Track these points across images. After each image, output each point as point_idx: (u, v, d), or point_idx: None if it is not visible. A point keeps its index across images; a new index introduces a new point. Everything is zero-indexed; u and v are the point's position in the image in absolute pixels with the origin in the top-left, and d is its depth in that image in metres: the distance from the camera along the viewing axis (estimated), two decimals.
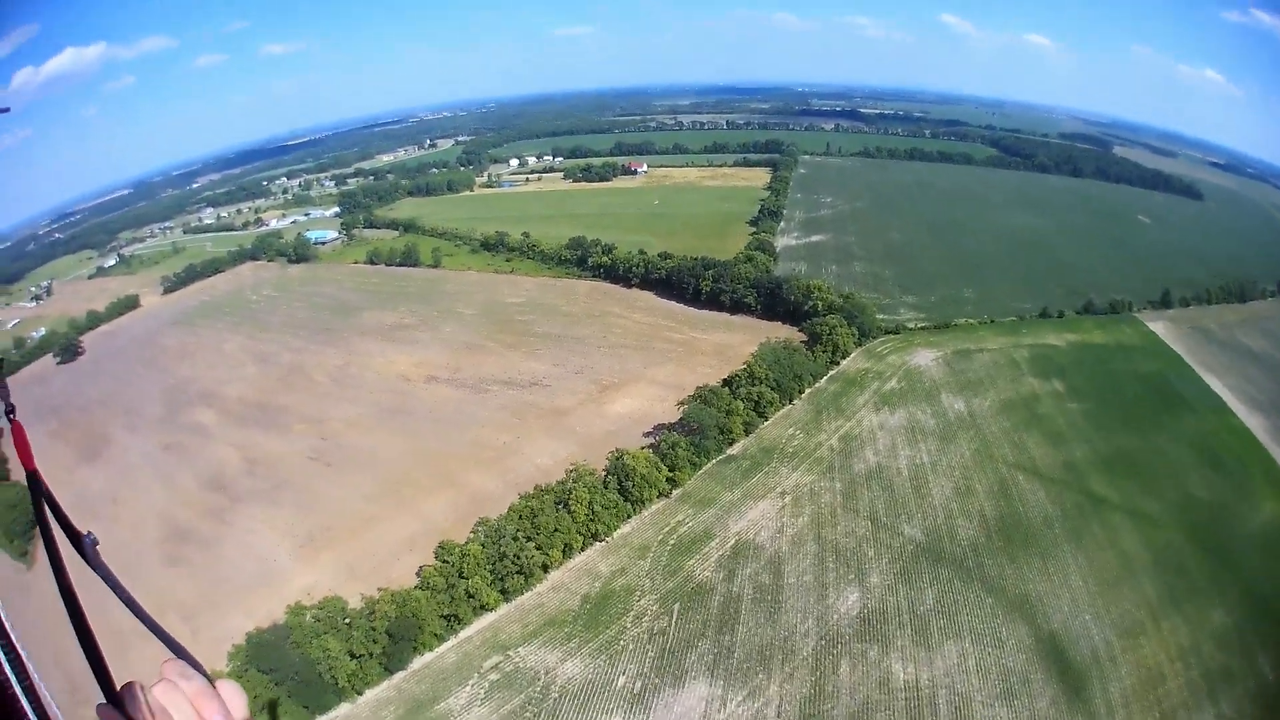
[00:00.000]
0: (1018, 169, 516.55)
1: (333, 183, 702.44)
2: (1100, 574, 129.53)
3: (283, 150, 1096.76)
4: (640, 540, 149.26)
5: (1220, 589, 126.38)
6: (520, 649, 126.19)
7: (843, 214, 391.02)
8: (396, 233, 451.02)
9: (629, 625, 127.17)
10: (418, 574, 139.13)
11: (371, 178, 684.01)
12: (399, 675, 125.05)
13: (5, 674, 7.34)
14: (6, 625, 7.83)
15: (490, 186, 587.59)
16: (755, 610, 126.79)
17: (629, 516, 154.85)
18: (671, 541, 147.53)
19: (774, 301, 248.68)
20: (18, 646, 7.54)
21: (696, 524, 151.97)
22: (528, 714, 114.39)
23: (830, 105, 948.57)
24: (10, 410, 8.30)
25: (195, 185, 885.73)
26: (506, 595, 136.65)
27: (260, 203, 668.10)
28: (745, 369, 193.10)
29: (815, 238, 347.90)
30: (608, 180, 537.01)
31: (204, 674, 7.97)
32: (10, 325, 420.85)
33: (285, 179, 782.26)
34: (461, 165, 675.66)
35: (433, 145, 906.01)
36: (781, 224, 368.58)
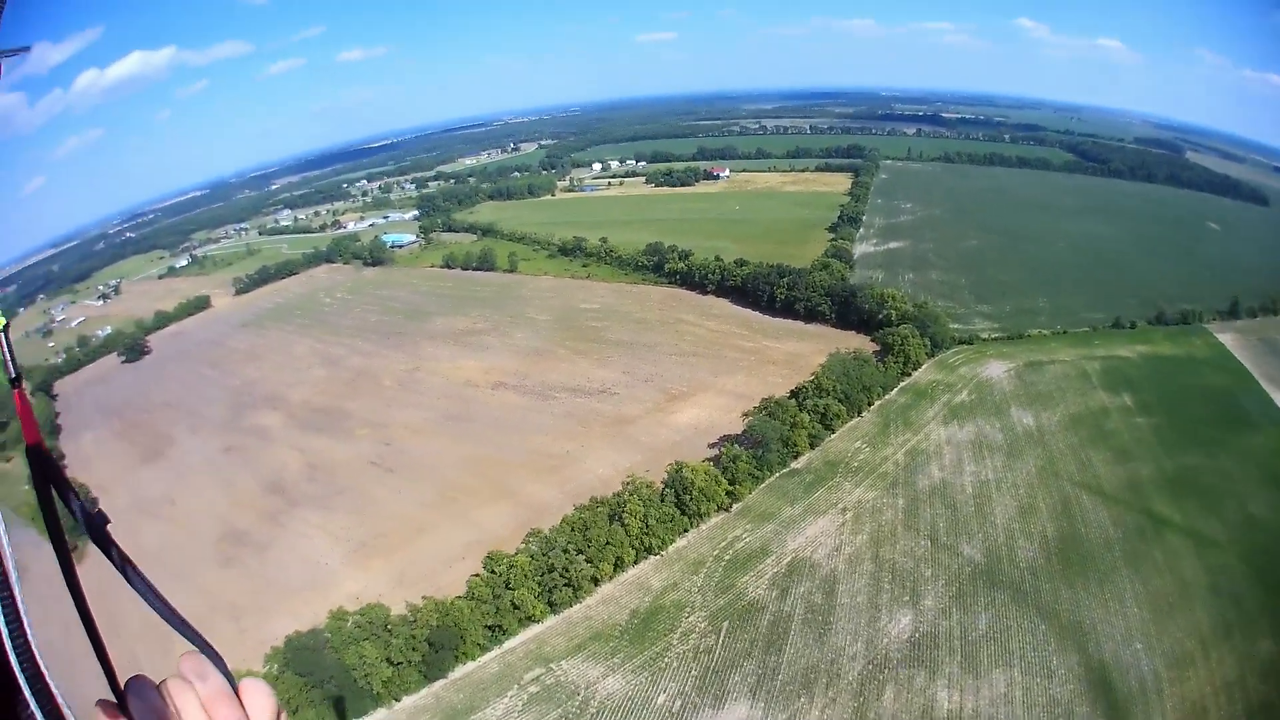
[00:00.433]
0: (1094, 174, 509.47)
1: (412, 186, 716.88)
2: (1155, 600, 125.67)
3: (362, 153, 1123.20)
4: (695, 555, 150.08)
5: (1272, 619, 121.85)
6: (563, 662, 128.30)
7: (921, 220, 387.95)
8: (474, 236, 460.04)
9: (675, 642, 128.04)
10: (468, 584, 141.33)
11: (452, 181, 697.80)
12: (439, 683, 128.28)
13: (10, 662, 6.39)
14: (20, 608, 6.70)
15: (571, 191, 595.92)
16: (804, 631, 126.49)
17: (685, 530, 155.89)
18: (727, 557, 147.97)
19: (848, 310, 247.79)
20: (28, 632, 6.44)
21: (753, 539, 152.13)
22: None
23: (912, 110, 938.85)
24: (16, 380, 7.43)
25: (273, 187, 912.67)
26: (554, 607, 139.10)
27: (338, 205, 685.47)
28: (813, 381, 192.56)
29: (893, 244, 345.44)
30: (689, 185, 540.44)
31: (226, 671, 7.61)
32: (75, 323, 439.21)
33: (365, 182, 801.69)
34: (543, 169, 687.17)
35: (515, 149, 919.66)
36: (860, 230, 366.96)
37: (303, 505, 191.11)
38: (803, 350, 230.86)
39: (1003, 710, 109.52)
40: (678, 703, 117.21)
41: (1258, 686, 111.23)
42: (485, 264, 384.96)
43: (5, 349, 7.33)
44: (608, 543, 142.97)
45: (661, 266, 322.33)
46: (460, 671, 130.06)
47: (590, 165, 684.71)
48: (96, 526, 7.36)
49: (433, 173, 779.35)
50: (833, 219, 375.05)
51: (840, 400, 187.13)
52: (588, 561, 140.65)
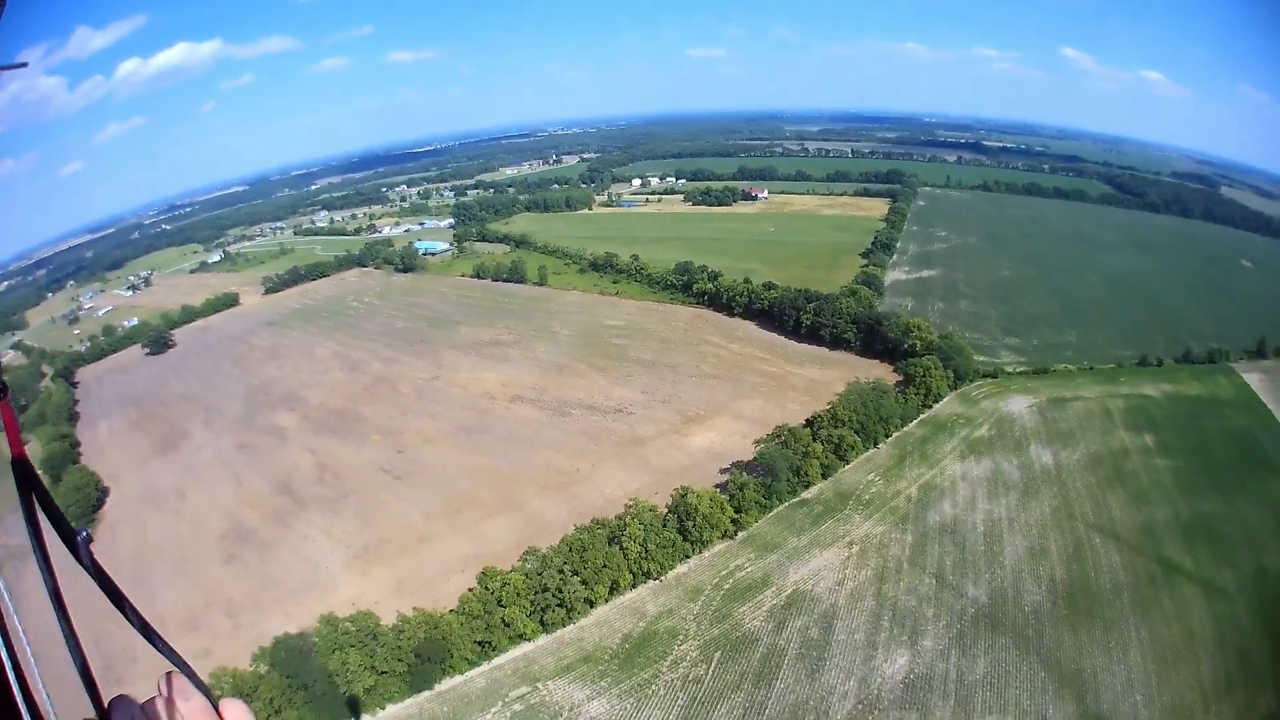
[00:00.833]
0: (1130, 207, 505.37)
1: (452, 193, 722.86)
2: (1161, 650, 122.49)
3: (407, 157, 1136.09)
4: (695, 582, 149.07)
5: (1275, 673, 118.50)
6: (550, 682, 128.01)
7: (955, 249, 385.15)
8: (507, 247, 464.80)
9: (665, 670, 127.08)
10: (460, 598, 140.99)
11: (491, 190, 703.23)
12: (424, 695, 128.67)
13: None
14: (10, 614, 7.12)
15: (610, 205, 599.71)
16: (797, 665, 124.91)
17: (687, 556, 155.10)
18: (726, 586, 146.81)
19: (872, 338, 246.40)
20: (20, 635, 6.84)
21: (755, 569, 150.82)
22: None
23: (955, 137, 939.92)
24: (2, 391, 7.58)
25: (313, 187, 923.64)
26: (546, 627, 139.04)
27: (376, 209, 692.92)
28: (828, 410, 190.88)
29: (925, 273, 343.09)
30: (727, 205, 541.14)
31: (204, 690, 7.80)
32: (103, 312, 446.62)
33: (405, 186, 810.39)
34: (584, 182, 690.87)
35: (557, 161, 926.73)
36: (894, 257, 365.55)
37: (310, 507, 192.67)
38: (824, 377, 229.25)
39: None
40: None
41: None
42: (515, 276, 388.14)
43: None
44: (605, 565, 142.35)
45: (690, 286, 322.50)
46: (447, 684, 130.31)
47: (630, 181, 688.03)
48: (78, 545, 7.38)
49: (473, 181, 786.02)
50: (866, 244, 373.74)
51: (856, 431, 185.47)
52: (583, 583, 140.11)
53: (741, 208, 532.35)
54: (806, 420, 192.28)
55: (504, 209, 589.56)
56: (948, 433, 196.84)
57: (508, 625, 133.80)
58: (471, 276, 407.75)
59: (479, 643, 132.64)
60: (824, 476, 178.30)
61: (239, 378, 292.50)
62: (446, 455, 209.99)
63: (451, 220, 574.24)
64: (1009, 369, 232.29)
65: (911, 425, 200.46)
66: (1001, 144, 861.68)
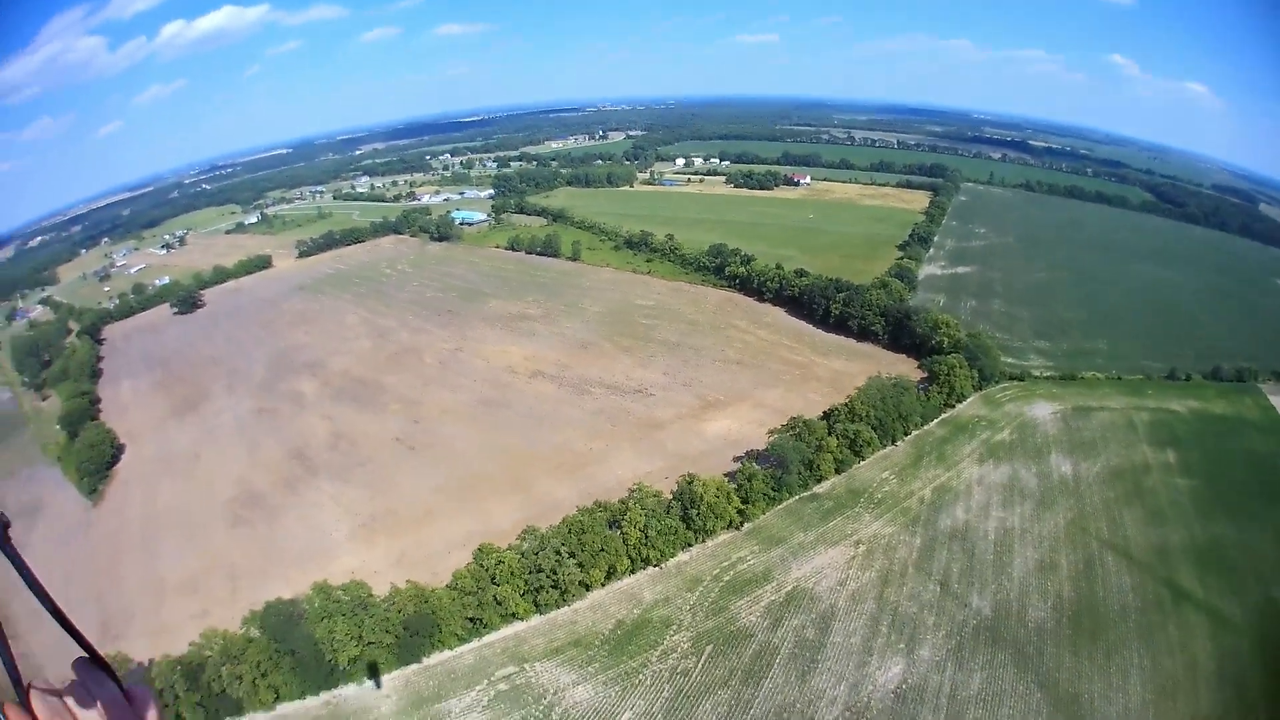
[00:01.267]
0: (1168, 217, 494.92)
1: (495, 164, 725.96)
2: (1160, 679, 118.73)
3: (453, 126, 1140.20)
4: (695, 571, 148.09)
5: (1271, 711, 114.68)
6: (538, 664, 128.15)
7: (993, 247, 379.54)
8: (545, 221, 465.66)
9: (654, 659, 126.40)
10: (453, 574, 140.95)
11: (534, 163, 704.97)
12: (412, 667, 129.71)
13: None
14: None
15: (651, 184, 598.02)
16: (789, 666, 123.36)
17: (690, 545, 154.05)
18: (726, 578, 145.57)
19: (900, 332, 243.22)
20: None
21: (758, 562, 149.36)
22: None
23: (1001, 135, 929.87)
24: None
25: (357, 152, 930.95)
26: (539, 608, 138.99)
27: (418, 176, 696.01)
28: (846, 404, 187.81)
29: (960, 269, 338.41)
30: (768, 189, 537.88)
31: (114, 676, 8.05)
32: (134, 270, 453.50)
33: (449, 155, 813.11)
34: (628, 159, 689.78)
35: (604, 136, 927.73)
36: (930, 251, 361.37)
37: (321, 474, 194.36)
38: (849, 369, 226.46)
39: None
40: None
41: None
42: (549, 250, 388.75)
43: None
44: (602, 549, 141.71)
45: (723, 269, 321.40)
46: (436, 659, 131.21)
47: (674, 160, 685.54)
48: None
49: (517, 153, 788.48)
50: (904, 237, 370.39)
51: (874, 427, 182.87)
52: (579, 566, 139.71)
53: (783, 193, 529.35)
54: (824, 413, 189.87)
55: (545, 182, 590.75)
56: (968, 434, 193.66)
57: (500, 604, 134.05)
58: (506, 248, 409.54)
59: (471, 619, 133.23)
60: (837, 472, 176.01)
61: (265, 341, 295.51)
62: (463, 429, 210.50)
63: (491, 191, 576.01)
64: (1036, 373, 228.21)
65: (932, 424, 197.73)
66: (1047, 144, 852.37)
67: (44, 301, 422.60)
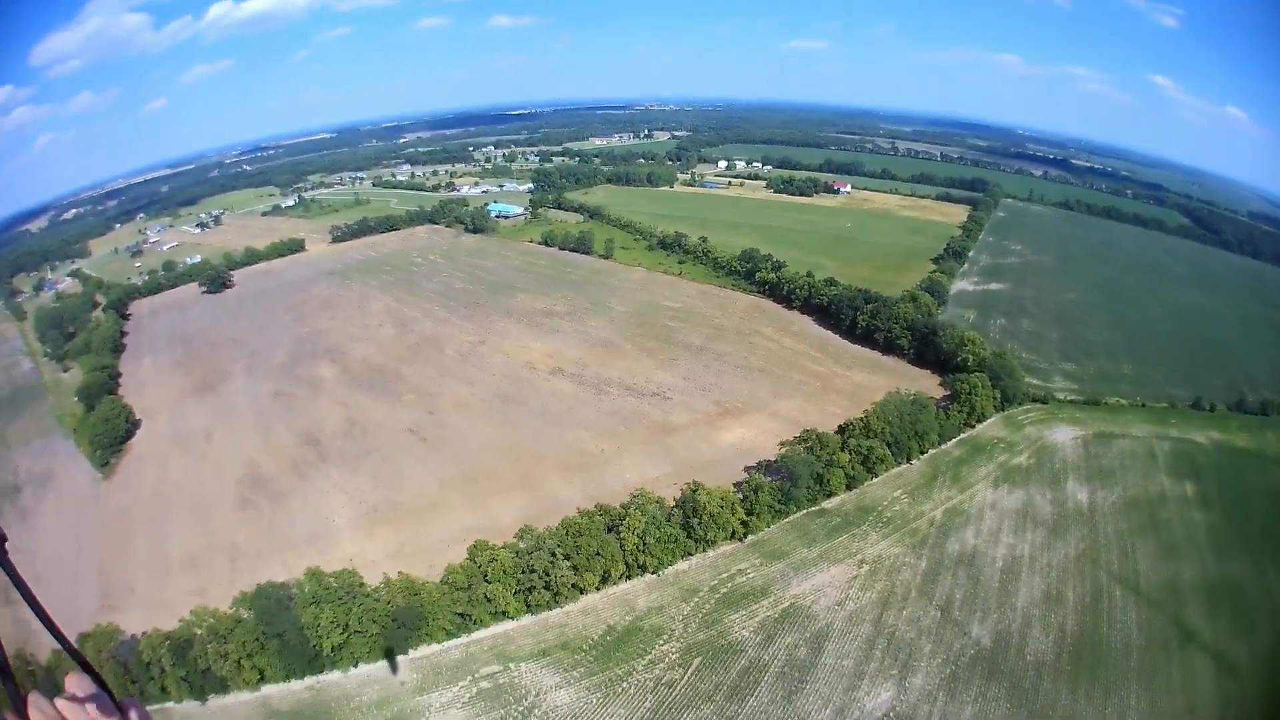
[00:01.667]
0: (1204, 242, 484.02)
1: (537, 158, 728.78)
2: None
3: (500, 119, 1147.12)
4: (692, 581, 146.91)
5: None
6: (523, 664, 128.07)
7: (1027, 265, 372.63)
8: (581, 217, 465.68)
9: (640, 669, 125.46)
10: (445, 569, 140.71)
11: (577, 159, 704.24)
12: (400, 658, 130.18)
13: None
14: None
15: (692, 185, 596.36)
16: (776, 685, 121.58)
17: (690, 554, 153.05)
18: (723, 590, 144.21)
19: (926, 347, 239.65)
20: None
21: (757, 576, 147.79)
22: None
23: (1044, 152, 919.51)
24: None
25: (401, 140, 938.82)
26: (530, 608, 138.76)
27: (459, 167, 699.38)
28: (861, 419, 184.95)
29: (993, 285, 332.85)
30: (808, 195, 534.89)
31: (107, 690, 8.13)
32: (167, 247, 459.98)
33: (492, 147, 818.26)
34: (670, 160, 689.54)
35: (648, 135, 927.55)
36: (964, 266, 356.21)
37: (330, 461, 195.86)
38: (871, 383, 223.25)
39: None
40: None
41: None
42: (582, 247, 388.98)
43: None
44: (598, 553, 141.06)
45: (753, 274, 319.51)
46: (423, 651, 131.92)
47: (716, 162, 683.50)
48: None
49: (560, 148, 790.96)
50: (939, 250, 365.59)
51: (888, 444, 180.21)
52: (573, 569, 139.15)
53: (822, 200, 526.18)
54: (839, 427, 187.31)
55: (585, 178, 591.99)
56: (985, 456, 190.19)
57: (490, 601, 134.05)
58: (539, 243, 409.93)
59: (460, 615, 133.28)
60: (849, 488, 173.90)
61: (289, 325, 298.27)
62: (476, 423, 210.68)
63: (531, 185, 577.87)
64: (1060, 395, 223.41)
65: (950, 444, 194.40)
66: (1089, 164, 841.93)
67: (73, 274, 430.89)
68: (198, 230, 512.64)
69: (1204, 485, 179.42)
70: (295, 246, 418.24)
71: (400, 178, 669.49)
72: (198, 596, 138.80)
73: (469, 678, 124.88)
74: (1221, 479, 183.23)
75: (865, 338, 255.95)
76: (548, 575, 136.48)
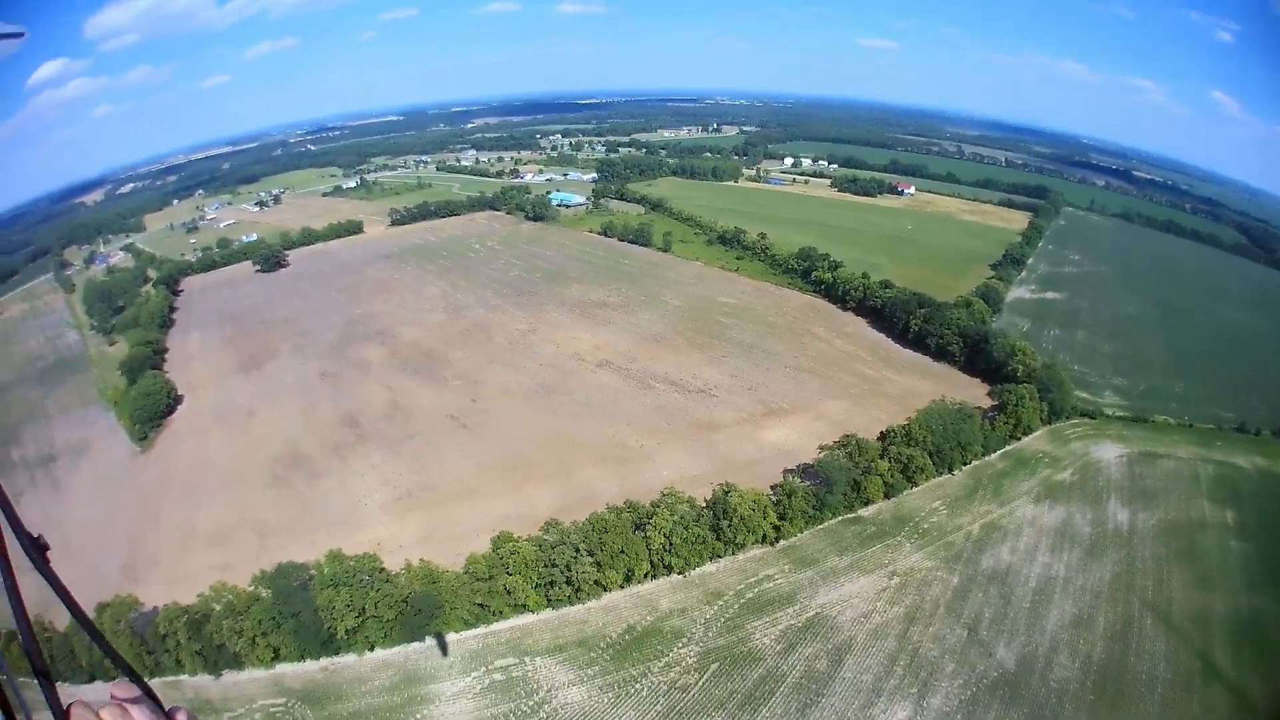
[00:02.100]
0: (1259, 261, 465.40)
1: (603, 148, 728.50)
2: None
3: (568, 107, 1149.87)
4: (718, 584, 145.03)
5: None
6: (538, 659, 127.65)
7: (1085, 275, 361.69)
8: (642, 209, 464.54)
9: (655, 671, 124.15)
10: (467, 559, 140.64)
11: (644, 150, 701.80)
12: (415, 645, 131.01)
13: None
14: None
15: (756, 180, 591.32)
16: (791, 696, 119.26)
17: (718, 556, 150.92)
18: (749, 595, 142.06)
19: (977, 355, 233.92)
20: None
21: (785, 583, 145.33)
22: None
23: (1107, 162, 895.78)
24: None
25: (468, 125, 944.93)
26: (552, 603, 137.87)
27: (525, 154, 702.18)
28: (903, 427, 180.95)
29: (1050, 295, 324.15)
30: (871, 195, 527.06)
31: (154, 698, 7.91)
32: (224, 225, 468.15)
33: (559, 136, 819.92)
34: (736, 154, 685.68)
35: (716, 129, 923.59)
36: (1022, 273, 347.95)
37: (370, 443, 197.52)
38: (920, 389, 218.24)
39: None
40: None
41: None
42: (641, 239, 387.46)
43: None
44: (622, 550, 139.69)
45: (809, 273, 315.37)
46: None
47: (782, 159, 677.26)
48: (35, 552, 7.49)
49: (628, 139, 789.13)
50: (998, 256, 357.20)
51: (930, 453, 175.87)
52: (595, 565, 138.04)
53: (885, 201, 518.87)
54: (880, 434, 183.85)
55: (650, 170, 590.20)
56: (1028, 470, 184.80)
57: (509, 594, 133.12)
58: (598, 233, 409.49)
59: (479, 605, 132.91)
60: (886, 496, 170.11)
61: (342, 306, 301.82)
62: (518, 411, 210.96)
63: (595, 175, 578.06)
64: (1108, 411, 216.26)
65: (994, 456, 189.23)
66: (1150, 176, 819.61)
67: (126, 248, 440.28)
68: (256, 209, 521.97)
69: (1244, 513, 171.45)
70: (353, 228, 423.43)
71: (464, 163, 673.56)
72: (221, 572, 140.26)
73: (483, 669, 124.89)
74: (1261, 507, 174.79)
75: (917, 342, 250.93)
76: (569, 570, 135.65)
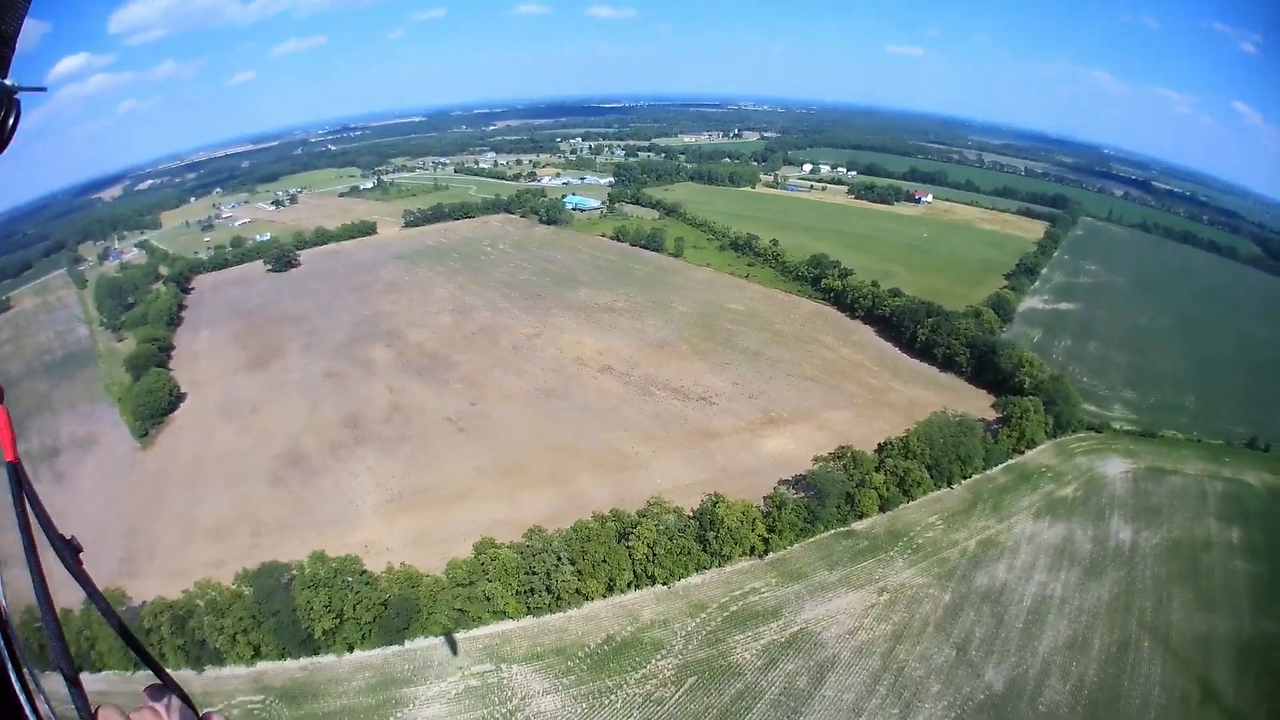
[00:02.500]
0: (1276, 274, 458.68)
1: (623, 152, 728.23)
2: None
3: (591, 110, 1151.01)
4: (702, 596, 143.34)
5: None
6: (515, 666, 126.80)
7: (1100, 286, 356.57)
8: (657, 214, 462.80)
9: (631, 683, 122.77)
10: (448, 564, 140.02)
11: (663, 155, 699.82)
12: (392, 648, 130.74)
13: None
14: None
15: (774, 187, 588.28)
16: (768, 713, 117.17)
17: (705, 568, 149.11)
18: (733, 608, 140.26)
19: (984, 366, 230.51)
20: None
21: (771, 596, 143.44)
22: None
23: (1128, 172, 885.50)
24: None
25: (490, 128, 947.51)
26: (532, 610, 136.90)
27: (544, 157, 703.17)
28: (901, 439, 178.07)
29: (1063, 305, 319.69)
30: (888, 203, 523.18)
31: (188, 701, 7.76)
32: (238, 224, 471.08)
33: (580, 139, 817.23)
34: (756, 160, 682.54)
35: (737, 135, 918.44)
36: (1035, 283, 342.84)
37: (367, 444, 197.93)
38: (926, 399, 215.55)
39: None
40: None
41: None
42: (653, 244, 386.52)
43: None
44: (604, 560, 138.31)
45: (819, 280, 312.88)
46: (420, 643, 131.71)
47: (801, 165, 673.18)
48: (68, 553, 7.27)
49: (647, 143, 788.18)
50: (1014, 265, 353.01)
51: (928, 466, 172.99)
52: (577, 574, 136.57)
53: (902, 208, 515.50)
54: (878, 446, 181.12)
55: (667, 175, 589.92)
56: (1030, 485, 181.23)
57: (489, 600, 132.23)
58: (611, 238, 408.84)
59: (459, 610, 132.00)
60: (882, 510, 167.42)
61: (351, 307, 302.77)
62: (517, 415, 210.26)
63: (612, 179, 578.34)
64: (1117, 425, 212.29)
65: (996, 469, 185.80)
66: (1169, 187, 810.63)
67: (140, 245, 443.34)
68: (272, 208, 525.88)
69: (1251, 532, 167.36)
70: (366, 229, 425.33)
71: (483, 165, 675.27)
72: (214, 568, 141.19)
73: (459, 673, 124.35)
74: (1268, 526, 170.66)
75: (924, 352, 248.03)
76: (549, 578, 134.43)
